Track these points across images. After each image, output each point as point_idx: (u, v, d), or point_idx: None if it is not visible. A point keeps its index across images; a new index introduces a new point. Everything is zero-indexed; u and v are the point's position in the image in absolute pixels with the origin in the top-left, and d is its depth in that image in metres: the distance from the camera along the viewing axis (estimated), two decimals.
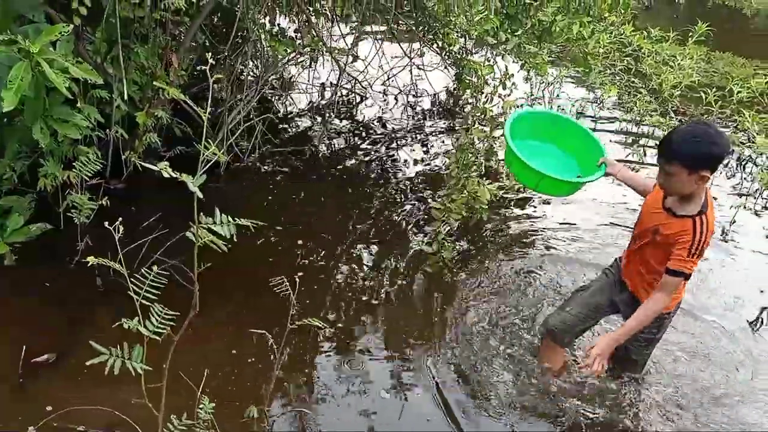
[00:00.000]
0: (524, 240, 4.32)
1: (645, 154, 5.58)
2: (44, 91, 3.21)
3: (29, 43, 2.95)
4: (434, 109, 6.63)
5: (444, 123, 6.27)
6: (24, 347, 2.95)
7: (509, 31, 4.57)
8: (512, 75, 4.11)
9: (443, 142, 5.86)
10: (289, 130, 5.83)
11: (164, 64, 4.15)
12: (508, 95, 4.06)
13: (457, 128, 5.99)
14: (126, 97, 3.82)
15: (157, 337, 1.98)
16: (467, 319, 3.50)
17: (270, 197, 4.65)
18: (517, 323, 3.48)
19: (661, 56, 6.95)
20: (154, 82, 3.72)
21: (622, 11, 5.64)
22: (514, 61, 5.13)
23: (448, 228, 3.95)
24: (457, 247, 4.08)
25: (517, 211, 4.67)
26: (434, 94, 6.83)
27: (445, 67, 6.82)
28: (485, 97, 4.31)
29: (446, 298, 3.68)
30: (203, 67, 5.62)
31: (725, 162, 5.53)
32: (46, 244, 3.66)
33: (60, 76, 3.00)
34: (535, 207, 4.73)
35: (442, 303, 3.64)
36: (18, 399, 2.77)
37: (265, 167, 5.05)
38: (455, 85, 6.84)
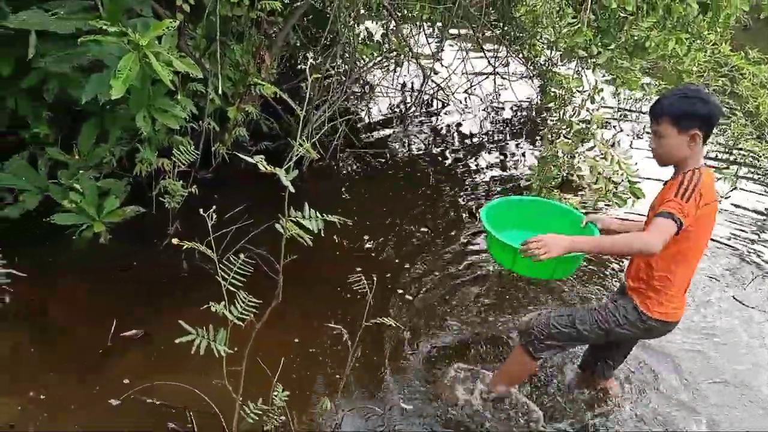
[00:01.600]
0: (601, 257, 4.21)
1: (737, 180, 5.34)
2: (149, 82, 3.40)
3: (138, 36, 3.13)
4: (516, 119, 6.58)
5: (525, 134, 6.21)
6: (114, 321, 3.12)
7: (601, 44, 4.47)
8: (601, 89, 4.03)
9: (522, 153, 5.80)
10: (370, 132, 5.92)
11: (257, 62, 4.31)
12: (597, 110, 3.98)
13: (538, 140, 5.92)
14: (220, 92, 3.99)
15: (241, 323, 2.07)
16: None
17: (348, 196, 4.74)
18: None
19: (758, 78, 6.62)
20: (254, 79, 3.86)
21: (720, 29, 5.41)
22: (603, 75, 5.03)
23: None
24: None
25: None
26: (517, 105, 6.78)
27: (530, 78, 6.76)
28: (573, 110, 4.24)
29: (516, 308, 3.64)
30: (300, 66, 5.80)
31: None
32: (137, 226, 3.87)
33: (165, 69, 3.16)
34: None
35: (512, 312, 3.60)
36: (104, 371, 2.93)
37: (345, 167, 5.15)
38: (539, 97, 6.76)
